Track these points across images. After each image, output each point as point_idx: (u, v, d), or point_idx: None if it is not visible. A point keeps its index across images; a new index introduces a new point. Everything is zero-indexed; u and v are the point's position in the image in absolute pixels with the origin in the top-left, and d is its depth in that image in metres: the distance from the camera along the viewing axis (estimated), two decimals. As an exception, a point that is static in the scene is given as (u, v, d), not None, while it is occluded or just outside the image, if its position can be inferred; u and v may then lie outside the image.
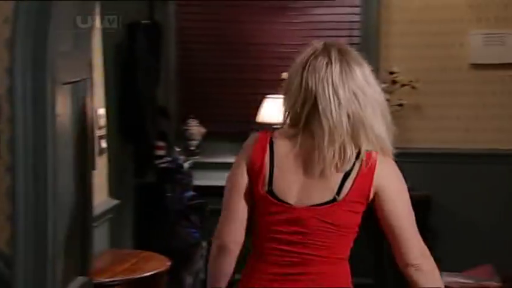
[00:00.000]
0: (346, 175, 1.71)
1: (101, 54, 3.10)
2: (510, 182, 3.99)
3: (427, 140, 4.22)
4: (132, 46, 3.41)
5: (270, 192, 1.72)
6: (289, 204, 1.71)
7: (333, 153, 1.69)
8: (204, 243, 3.85)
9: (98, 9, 2.64)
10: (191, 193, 3.88)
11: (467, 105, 4.17)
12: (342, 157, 1.69)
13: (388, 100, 4.22)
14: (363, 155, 1.71)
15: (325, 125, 1.69)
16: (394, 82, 4.03)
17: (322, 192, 1.71)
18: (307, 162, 1.71)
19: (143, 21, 3.55)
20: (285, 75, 4.27)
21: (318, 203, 1.70)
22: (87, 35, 1.96)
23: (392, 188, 1.75)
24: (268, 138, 1.76)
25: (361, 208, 1.73)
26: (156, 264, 2.76)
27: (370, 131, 1.72)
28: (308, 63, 1.72)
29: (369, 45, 4.18)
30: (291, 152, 1.73)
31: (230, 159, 4.43)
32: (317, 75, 1.71)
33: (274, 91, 4.11)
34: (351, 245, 1.76)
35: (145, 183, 3.74)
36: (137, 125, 3.48)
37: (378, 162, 1.73)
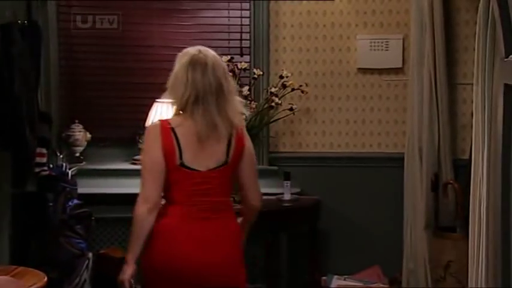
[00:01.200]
0: (229, 144, 2.54)
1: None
2: (396, 184, 4.08)
3: (317, 144, 4.25)
4: (7, 47, 3.19)
5: (182, 164, 2.50)
6: (197, 170, 2.52)
7: (212, 128, 2.49)
8: (90, 254, 3.68)
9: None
10: (76, 202, 3.70)
11: (356, 109, 4.23)
12: (219, 131, 2.50)
13: (279, 104, 4.28)
14: (235, 129, 2.54)
15: (204, 109, 2.48)
16: (284, 86, 4.03)
17: (217, 158, 2.53)
18: (201, 138, 2.50)
19: (19, 21, 3.34)
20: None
21: (216, 166, 2.54)
22: None
23: (250, 153, 2.61)
24: (169, 125, 2.51)
25: (237, 166, 2.59)
26: (32, 280, 2.58)
27: (235, 110, 2.54)
28: (192, 64, 2.53)
29: (259, 48, 4.17)
30: (187, 133, 2.50)
31: (117, 166, 4.34)
32: (199, 71, 2.51)
33: (164, 95, 4.02)
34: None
35: (25, 192, 3.52)
36: (14, 131, 3.26)
37: (243, 133, 2.59)
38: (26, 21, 3.44)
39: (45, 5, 3.94)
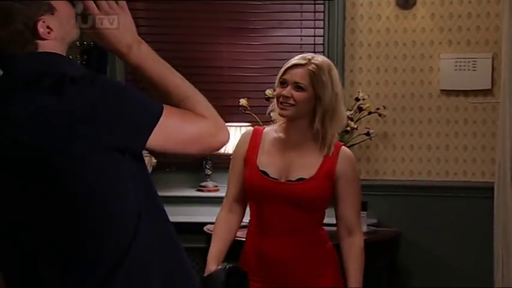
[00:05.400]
0: None
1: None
2: (485, 216, 3.74)
3: (395, 171, 3.97)
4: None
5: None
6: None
7: None
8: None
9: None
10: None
11: (439, 134, 3.93)
12: None
13: (354, 129, 4.00)
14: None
15: None
16: (360, 109, 3.77)
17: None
18: None
19: (85, 43, 3.27)
20: (243, 101, 3.98)
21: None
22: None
23: None
24: None
25: None
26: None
27: None
28: None
29: (334, 69, 3.93)
30: None
31: (182, 193, 4.16)
32: None
33: (233, 118, 3.84)
34: None
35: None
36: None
37: None
38: (92, 42, 3.37)
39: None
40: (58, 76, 1.37)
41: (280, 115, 2.32)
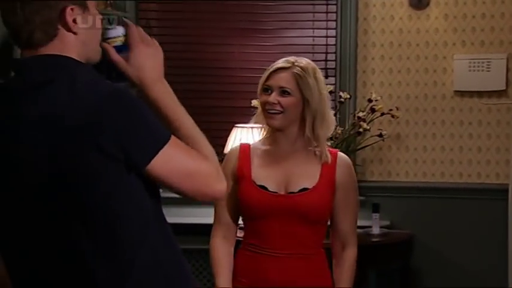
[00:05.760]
0: None
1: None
2: (499, 219, 3.71)
3: (408, 173, 3.94)
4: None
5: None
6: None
7: None
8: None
9: None
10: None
11: (452, 136, 3.90)
12: None
13: (367, 130, 3.97)
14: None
15: None
16: (373, 110, 3.75)
17: None
18: None
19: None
20: (255, 102, 3.97)
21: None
22: None
23: None
24: None
25: None
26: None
27: None
28: None
29: (346, 70, 3.92)
30: None
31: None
32: None
33: (244, 119, 3.83)
34: None
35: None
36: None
37: None
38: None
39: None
40: (68, 80, 1.36)
41: (269, 125, 2.17)
